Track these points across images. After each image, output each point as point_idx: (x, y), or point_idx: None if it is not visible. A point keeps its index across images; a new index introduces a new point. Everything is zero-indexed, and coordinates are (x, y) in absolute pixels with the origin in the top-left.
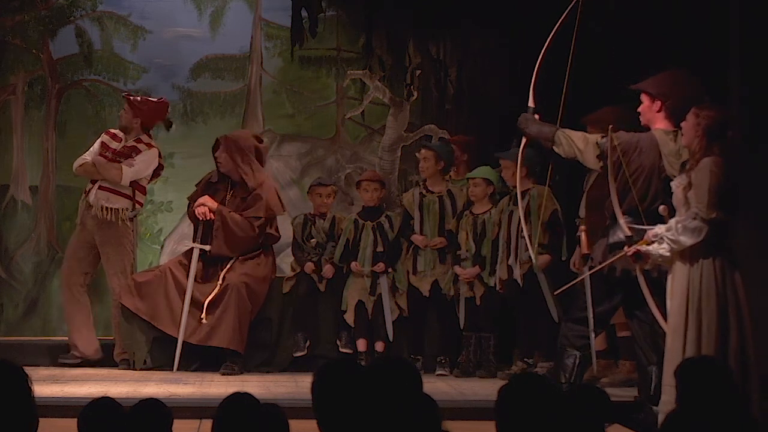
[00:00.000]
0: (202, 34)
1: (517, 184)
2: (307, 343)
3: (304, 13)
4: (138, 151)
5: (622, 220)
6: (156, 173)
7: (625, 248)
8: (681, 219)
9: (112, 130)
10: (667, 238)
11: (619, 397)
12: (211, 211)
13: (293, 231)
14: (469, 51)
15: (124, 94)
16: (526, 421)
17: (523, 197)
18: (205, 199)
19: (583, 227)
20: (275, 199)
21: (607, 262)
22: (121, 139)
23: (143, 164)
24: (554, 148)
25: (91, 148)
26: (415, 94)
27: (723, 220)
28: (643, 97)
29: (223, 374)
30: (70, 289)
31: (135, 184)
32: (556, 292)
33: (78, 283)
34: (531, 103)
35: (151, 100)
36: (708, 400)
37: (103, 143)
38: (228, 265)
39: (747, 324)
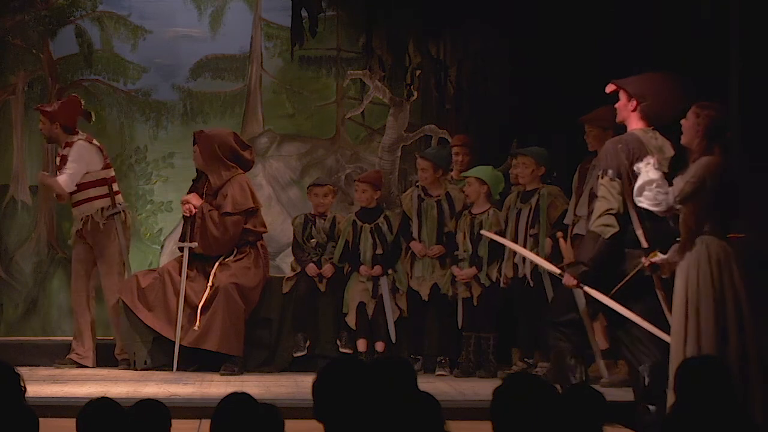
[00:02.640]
0: (202, 34)
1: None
2: (307, 343)
3: (304, 13)
4: (66, 157)
5: (639, 232)
6: (103, 155)
7: (642, 260)
8: (660, 183)
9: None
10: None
11: (620, 397)
12: (195, 207)
13: (294, 231)
14: (469, 51)
15: (35, 107)
16: (521, 421)
17: (532, 196)
18: (191, 197)
19: (560, 233)
20: (243, 193)
21: (628, 276)
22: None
23: (74, 163)
24: (611, 231)
25: None
26: (415, 94)
27: (688, 214)
28: (621, 94)
29: (223, 375)
30: (77, 293)
31: (101, 182)
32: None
33: (82, 288)
34: (554, 269)
35: (59, 102)
36: (706, 400)
37: (57, 165)
38: (216, 264)
39: (748, 324)
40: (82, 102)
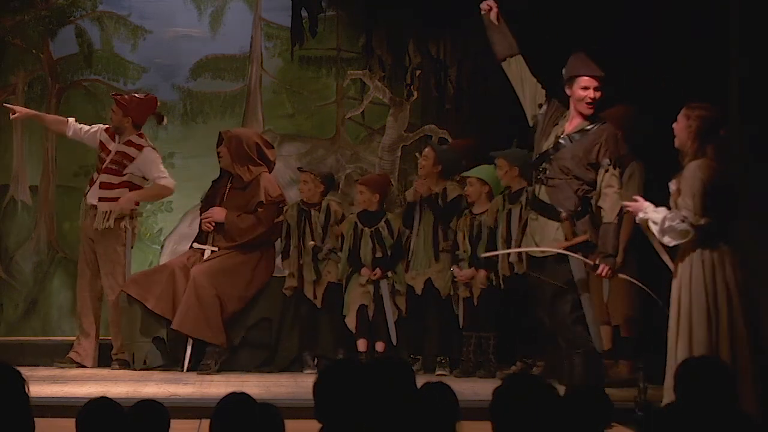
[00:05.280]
0: (202, 34)
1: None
2: (315, 362)
3: (304, 13)
4: (129, 158)
5: (666, 257)
6: None
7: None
8: (670, 217)
9: (111, 129)
10: (655, 231)
11: (620, 398)
12: (218, 222)
13: (286, 218)
14: (469, 51)
15: (112, 94)
16: (521, 421)
17: (521, 195)
18: (214, 212)
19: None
20: (273, 185)
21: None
22: (115, 141)
23: (161, 166)
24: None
25: (88, 128)
26: (415, 94)
27: (712, 224)
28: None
29: (200, 374)
30: (82, 291)
31: (130, 184)
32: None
33: (85, 287)
34: (587, 261)
35: (139, 97)
36: (706, 400)
37: (101, 143)
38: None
39: (740, 327)
40: (158, 103)
